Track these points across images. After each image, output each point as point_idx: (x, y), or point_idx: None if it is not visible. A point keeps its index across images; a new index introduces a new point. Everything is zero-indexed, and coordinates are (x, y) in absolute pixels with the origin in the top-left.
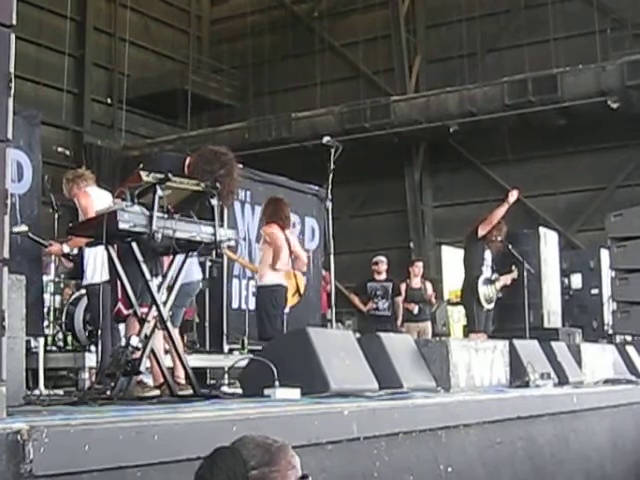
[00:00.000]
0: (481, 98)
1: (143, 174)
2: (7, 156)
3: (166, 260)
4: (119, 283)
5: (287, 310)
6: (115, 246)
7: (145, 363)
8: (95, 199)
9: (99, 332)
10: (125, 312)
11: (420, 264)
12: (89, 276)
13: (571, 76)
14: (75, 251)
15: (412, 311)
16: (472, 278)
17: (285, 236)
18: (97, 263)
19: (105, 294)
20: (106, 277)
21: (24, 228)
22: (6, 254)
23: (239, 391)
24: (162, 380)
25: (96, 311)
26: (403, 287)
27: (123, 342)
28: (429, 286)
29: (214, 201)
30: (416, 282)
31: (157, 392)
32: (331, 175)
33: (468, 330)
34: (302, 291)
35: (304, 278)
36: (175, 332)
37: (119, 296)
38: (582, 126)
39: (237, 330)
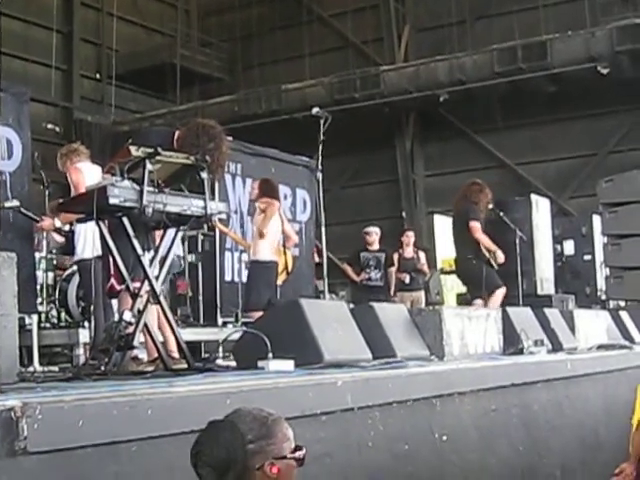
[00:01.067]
0: (471, 66)
1: (132, 149)
2: None
3: (157, 234)
4: (111, 259)
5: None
6: (106, 221)
7: (139, 338)
8: (87, 175)
9: (92, 308)
10: (118, 288)
11: (411, 233)
12: (79, 251)
13: (560, 42)
14: (67, 227)
15: (404, 281)
16: (472, 245)
17: (279, 212)
18: (87, 238)
19: (97, 269)
20: (97, 252)
21: (15, 203)
22: None
23: (233, 364)
24: (156, 355)
25: (88, 286)
26: (396, 257)
27: (116, 317)
28: (422, 255)
29: (204, 174)
30: (408, 252)
31: (151, 367)
32: (321, 146)
33: (488, 292)
34: (290, 269)
35: (295, 252)
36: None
37: (111, 272)
38: (572, 92)
39: (230, 303)
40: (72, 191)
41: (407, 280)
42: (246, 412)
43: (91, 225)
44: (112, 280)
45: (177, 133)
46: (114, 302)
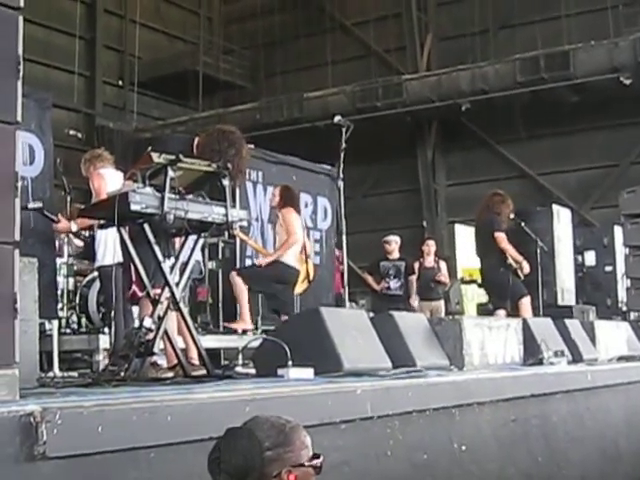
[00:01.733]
0: (493, 76)
1: (154, 155)
2: (17, 139)
3: (177, 241)
4: (132, 265)
5: (299, 291)
6: (127, 228)
7: (159, 344)
8: (109, 181)
9: (112, 314)
10: (140, 294)
11: (431, 242)
12: (100, 258)
13: (583, 52)
14: (87, 233)
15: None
16: (498, 255)
17: (300, 222)
18: (108, 245)
19: (117, 276)
20: (118, 259)
21: (39, 204)
22: (17, 236)
23: (252, 371)
24: (175, 361)
25: (108, 293)
26: (416, 266)
27: (137, 324)
28: (443, 265)
29: (226, 181)
30: (429, 261)
31: (170, 373)
32: (343, 154)
33: (513, 301)
34: (312, 277)
35: (316, 260)
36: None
37: (133, 278)
38: (595, 103)
39: (250, 310)
40: (93, 197)
41: (415, 304)
42: (264, 419)
43: (112, 231)
44: (134, 287)
45: (197, 140)
46: (134, 309)
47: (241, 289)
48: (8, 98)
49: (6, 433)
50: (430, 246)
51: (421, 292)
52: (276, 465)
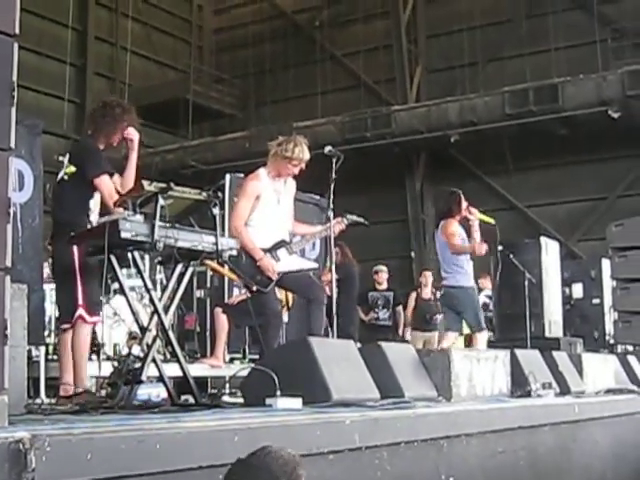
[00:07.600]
0: (482, 108)
1: (145, 184)
2: (10, 165)
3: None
4: (80, 289)
5: (286, 320)
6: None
7: (147, 372)
8: None
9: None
10: (89, 320)
11: (429, 273)
12: None
13: (572, 86)
14: None
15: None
16: None
17: None
18: None
19: None
20: None
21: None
22: (8, 262)
23: (240, 401)
24: (71, 392)
25: None
26: (414, 296)
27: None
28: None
29: (216, 210)
30: (426, 292)
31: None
32: (332, 185)
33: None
34: (290, 304)
35: None
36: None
37: (80, 302)
38: (583, 136)
39: (238, 339)
40: None
41: (407, 335)
42: (277, 454)
43: None
44: (81, 311)
45: (89, 132)
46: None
47: (222, 326)
48: (2, 124)
49: None
50: (427, 277)
51: (416, 323)
52: None
